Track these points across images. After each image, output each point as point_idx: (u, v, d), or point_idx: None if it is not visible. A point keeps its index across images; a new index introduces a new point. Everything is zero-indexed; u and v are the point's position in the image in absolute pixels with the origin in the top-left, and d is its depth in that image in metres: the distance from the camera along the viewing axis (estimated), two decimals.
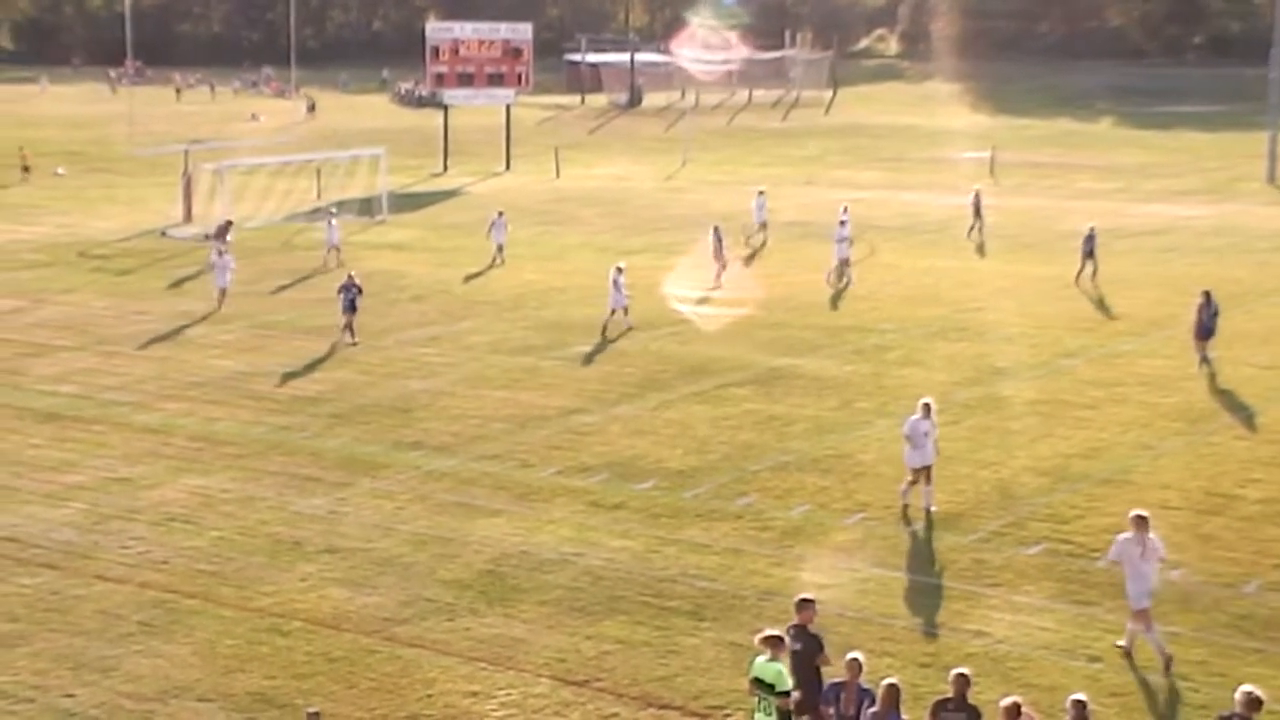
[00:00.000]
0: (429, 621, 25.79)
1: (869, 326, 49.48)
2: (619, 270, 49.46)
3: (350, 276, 48.35)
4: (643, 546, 29.38)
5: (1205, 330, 43.70)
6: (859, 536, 29.94)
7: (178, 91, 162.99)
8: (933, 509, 30.84)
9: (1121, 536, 24.58)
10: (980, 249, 66.52)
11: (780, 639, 19.79)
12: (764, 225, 69.67)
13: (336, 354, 45.82)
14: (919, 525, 30.45)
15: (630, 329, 48.47)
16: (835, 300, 54.38)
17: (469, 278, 59.39)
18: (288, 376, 43.26)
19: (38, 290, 56.94)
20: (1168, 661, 23.88)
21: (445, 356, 45.50)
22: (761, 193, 71.81)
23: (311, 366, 44.42)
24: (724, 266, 57.77)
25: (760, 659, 19.70)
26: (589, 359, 45.15)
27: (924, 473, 30.93)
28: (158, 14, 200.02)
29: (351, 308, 47.42)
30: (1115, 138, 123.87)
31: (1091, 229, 57.84)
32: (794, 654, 20.53)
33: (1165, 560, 25.09)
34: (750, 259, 64.14)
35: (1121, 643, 24.72)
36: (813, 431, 37.28)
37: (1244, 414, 38.83)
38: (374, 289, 55.96)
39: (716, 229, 58.39)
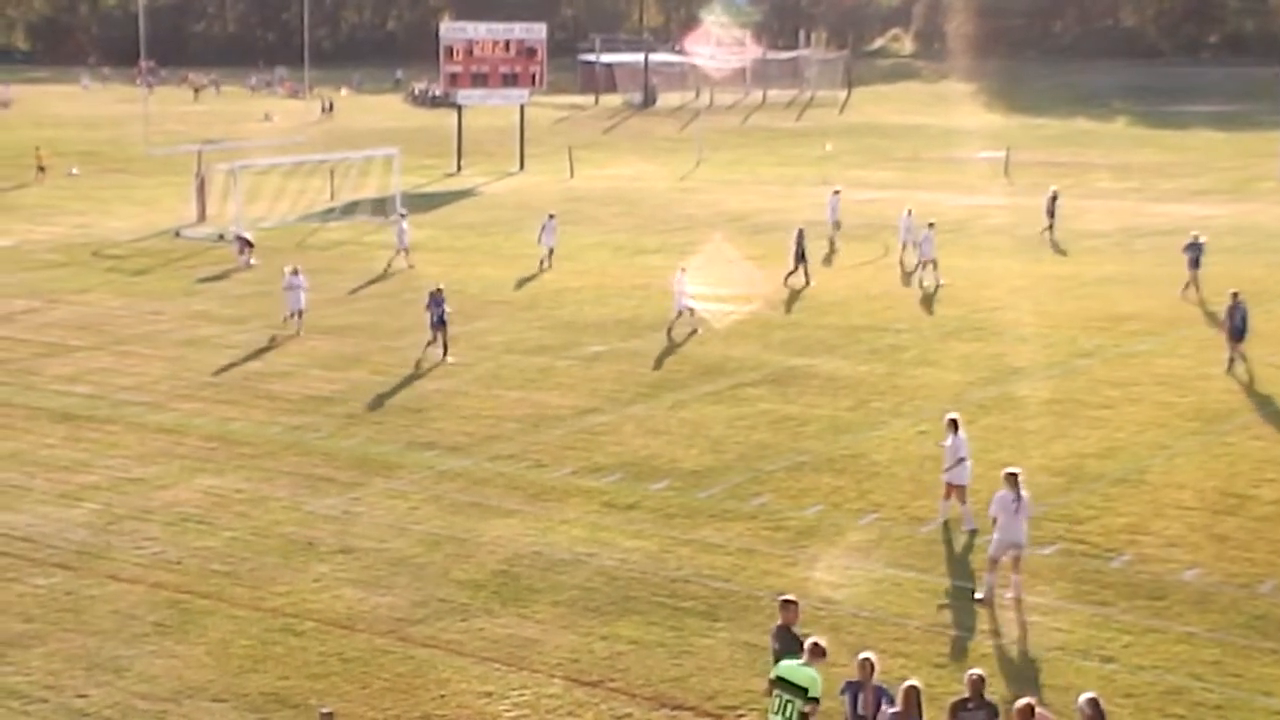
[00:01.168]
0: (442, 622, 25.77)
1: (884, 326, 49.43)
2: (682, 271, 49.25)
3: (438, 290, 45.54)
4: (657, 547, 29.36)
5: (1237, 332, 43.23)
6: (873, 537, 29.89)
7: (196, 91, 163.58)
8: (943, 519, 30.55)
9: (998, 494, 26.32)
10: (1057, 248, 66.22)
11: (823, 649, 19.61)
12: (838, 225, 69.26)
13: (430, 371, 43.74)
14: (933, 525, 30.39)
15: (695, 332, 48.10)
16: (929, 302, 53.97)
17: (521, 282, 58.57)
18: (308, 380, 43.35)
19: (52, 290, 57.01)
20: (987, 595, 26.49)
21: (460, 356, 45.44)
22: (836, 192, 71.42)
23: (327, 366, 44.42)
24: (806, 268, 57.04)
25: (791, 661, 19.58)
26: (659, 362, 44.99)
27: (953, 490, 30.56)
28: (172, 14, 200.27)
29: (440, 322, 45.04)
30: (1130, 137, 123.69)
31: (1196, 237, 55.71)
32: (775, 654, 20.63)
33: (1031, 517, 27.21)
34: (829, 258, 63.93)
35: (979, 595, 26.77)
36: (827, 431, 37.23)
37: (1260, 414, 38.72)
38: (388, 290, 56.15)
39: (801, 231, 57.58)
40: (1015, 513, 26.19)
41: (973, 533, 29.75)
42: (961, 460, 30.09)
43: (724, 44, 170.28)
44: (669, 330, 48.22)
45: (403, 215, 64.43)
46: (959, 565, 28.36)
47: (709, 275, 57.81)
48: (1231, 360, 43.18)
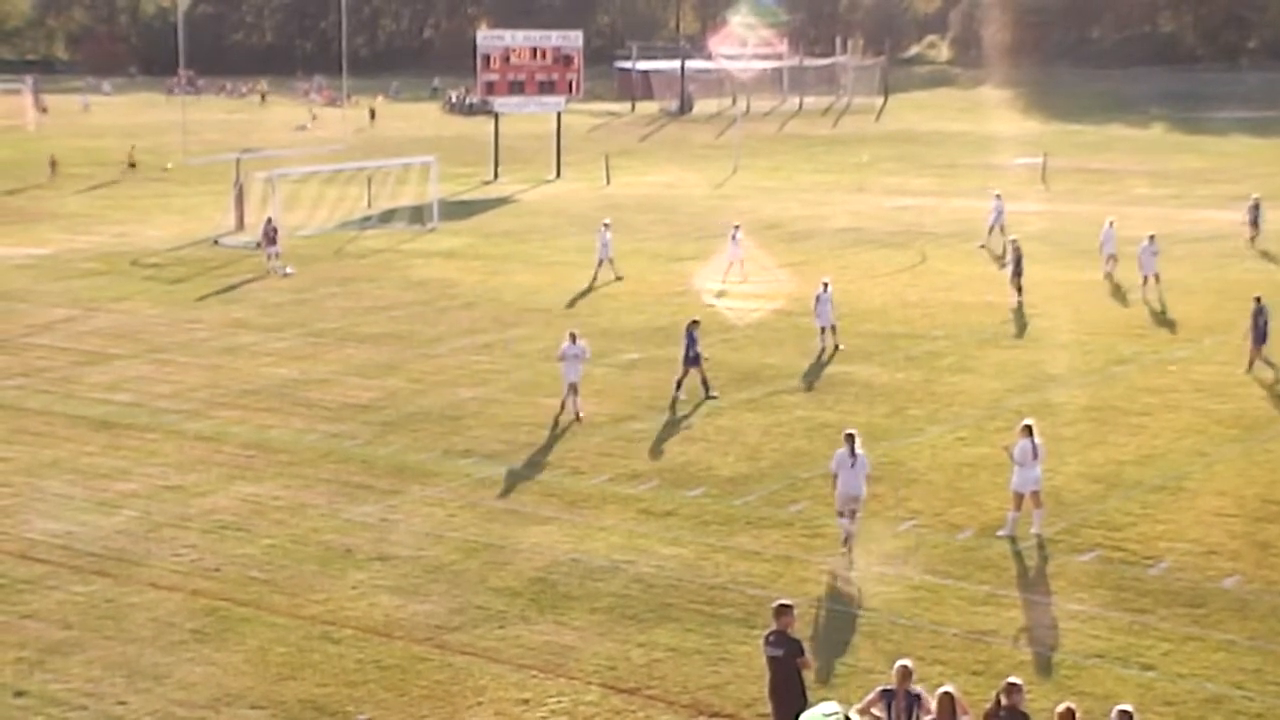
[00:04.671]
0: (480, 629, 25.80)
1: (921, 333, 49.34)
2: (825, 286, 46.89)
3: (694, 323, 41.73)
4: (693, 554, 29.34)
5: (1261, 335, 43.47)
6: (910, 544, 29.84)
7: (262, 96, 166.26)
8: (1034, 532, 30.09)
9: (837, 452, 29.26)
10: (1267, 256, 65.42)
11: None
12: (1001, 229, 68.62)
13: (686, 424, 39.20)
14: (970, 532, 30.32)
15: (839, 349, 46.43)
16: (1163, 320, 51.42)
17: (722, 293, 57.13)
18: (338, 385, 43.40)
19: (91, 299, 57.20)
20: (846, 541, 29.23)
21: (496, 364, 45.51)
22: (998, 196, 70.98)
23: (364, 374, 44.47)
24: (1021, 282, 54.32)
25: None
26: (809, 384, 44.92)
27: (1025, 498, 30.22)
28: (211, 24, 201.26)
29: (695, 359, 40.94)
30: (1168, 143, 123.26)
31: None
32: (776, 660, 20.74)
33: (870, 473, 29.76)
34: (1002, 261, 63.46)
35: (844, 549, 29.27)
36: (864, 439, 36.95)
37: None
38: (425, 297, 56.23)
39: (1015, 243, 55.22)
40: (851, 468, 28.95)
41: (1011, 539, 29.77)
42: (1024, 465, 29.90)
43: (751, 45, 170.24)
44: (820, 353, 46.38)
45: (606, 225, 61.99)
46: (998, 572, 28.29)
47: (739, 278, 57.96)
48: (1252, 362, 43.52)
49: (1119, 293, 56.38)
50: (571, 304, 55.52)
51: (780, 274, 59.98)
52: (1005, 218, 68.84)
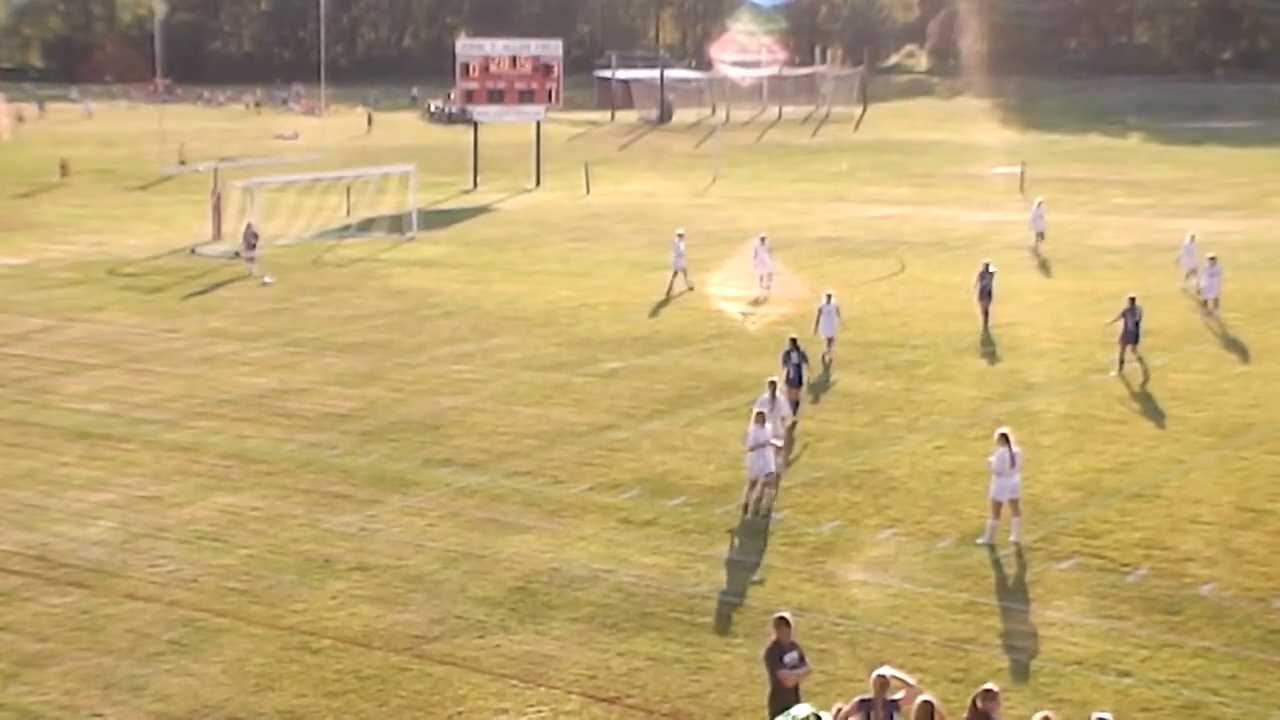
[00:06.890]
0: (459, 639, 25.75)
1: (900, 342, 49.38)
2: (828, 298, 46.08)
3: (794, 342, 40.06)
4: (674, 563, 29.33)
5: (1131, 335, 44.37)
6: (890, 552, 29.85)
7: (256, 106, 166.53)
8: (1012, 539, 30.12)
9: (751, 427, 32.42)
10: None
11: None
12: (1041, 235, 68.93)
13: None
14: (949, 540, 30.35)
15: (828, 361, 45.76)
16: (1236, 347, 49.10)
17: (760, 299, 57.35)
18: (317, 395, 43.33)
19: (67, 308, 57.05)
20: (749, 504, 32.21)
21: (476, 373, 45.47)
22: (1040, 203, 70.76)
23: (343, 383, 44.39)
24: (989, 306, 51.85)
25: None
26: (818, 397, 44.89)
27: (1003, 506, 30.27)
28: (189, 32, 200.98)
29: (799, 379, 39.84)
30: (1145, 153, 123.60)
31: (987, 266, 52.61)
32: (771, 673, 20.90)
33: (781, 437, 34.21)
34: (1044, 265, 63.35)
35: (751, 500, 32.35)
36: (844, 447, 37.19)
37: (1275, 429, 38.62)
38: (405, 306, 56.19)
39: (986, 266, 52.62)
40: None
41: (990, 547, 29.80)
42: (1002, 473, 29.94)
43: (748, 50, 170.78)
44: (824, 360, 45.80)
45: (680, 235, 61.22)
46: (977, 580, 28.31)
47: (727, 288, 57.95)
48: (1122, 362, 44.47)
49: (1207, 310, 54.23)
50: (654, 313, 55.57)
51: (797, 283, 59.88)
52: (1043, 224, 69.29)
